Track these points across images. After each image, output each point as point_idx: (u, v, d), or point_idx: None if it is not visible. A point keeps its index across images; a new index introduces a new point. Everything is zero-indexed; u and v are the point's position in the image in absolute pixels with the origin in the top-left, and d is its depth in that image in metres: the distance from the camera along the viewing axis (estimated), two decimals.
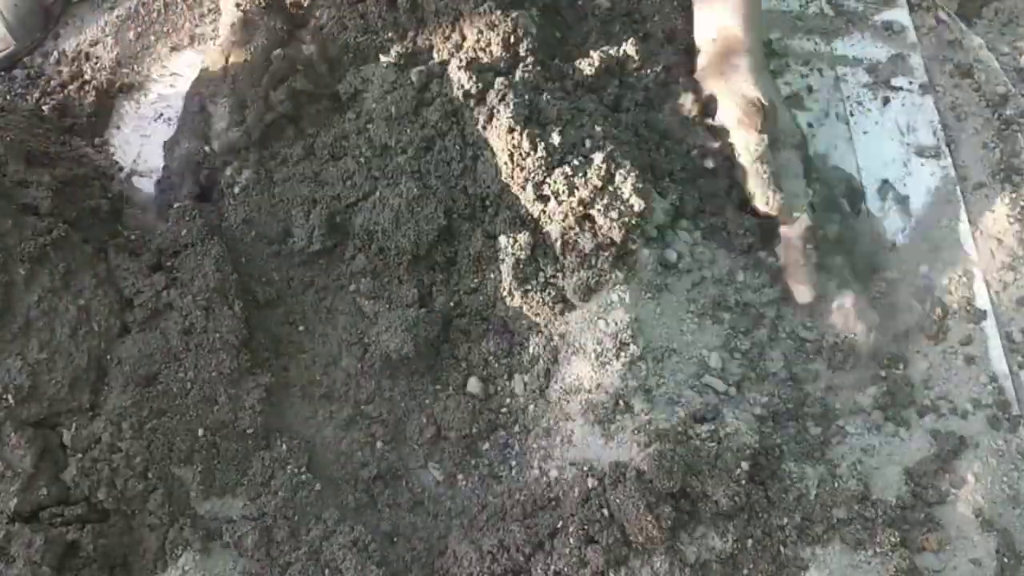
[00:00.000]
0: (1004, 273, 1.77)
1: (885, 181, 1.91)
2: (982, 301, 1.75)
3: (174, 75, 2.11)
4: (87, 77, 2.07)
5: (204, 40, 2.15)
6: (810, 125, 1.96)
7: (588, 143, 1.60)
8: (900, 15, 2.15)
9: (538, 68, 1.68)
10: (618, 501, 1.37)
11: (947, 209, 1.86)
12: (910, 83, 2.03)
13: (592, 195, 1.55)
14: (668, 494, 1.37)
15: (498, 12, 1.69)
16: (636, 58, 1.77)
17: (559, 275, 1.59)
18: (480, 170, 1.62)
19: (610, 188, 1.57)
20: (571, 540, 1.37)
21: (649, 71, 1.78)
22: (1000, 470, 1.54)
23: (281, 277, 1.69)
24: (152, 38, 2.16)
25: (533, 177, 1.57)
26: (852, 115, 1.98)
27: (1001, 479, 1.53)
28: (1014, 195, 1.85)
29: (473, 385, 1.60)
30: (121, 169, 1.95)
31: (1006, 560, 1.45)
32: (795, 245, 1.68)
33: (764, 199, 1.68)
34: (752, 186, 1.69)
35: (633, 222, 1.56)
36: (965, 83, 2.04)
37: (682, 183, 1.71)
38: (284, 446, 1.52)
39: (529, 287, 1.59)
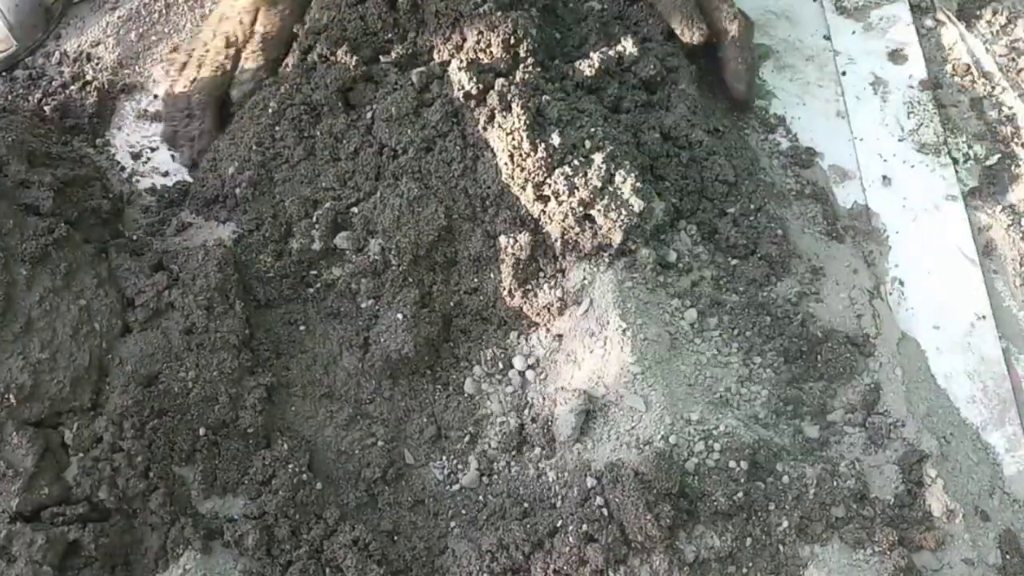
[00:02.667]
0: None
1: (884, 176, 1.91)
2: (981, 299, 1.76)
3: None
4: (88, 78, 2.08)
5: None
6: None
7: (588, 144, 1.60)
8: (900, 10, 2.15)
9: (538, 69, 1.68)
10: (617, 500, 1.37)
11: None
12: (910, 78, 2.04)
13: (592, 196, 1.56)
14: (667, 494, 1.38)
15: (498, 13, 1.69)
16: (636, 54, 1.77)
17: (559, 275, 1.60)
18: (480, 171, 1.63)
19: (610, 188, 1.57)
20: (571, 539, 1.37)
21: (649, 70, 1.79)
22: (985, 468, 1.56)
23: (283, 277, 1.70)
24: (154, 38, 2.16)
25: (533, 178, 1.57)
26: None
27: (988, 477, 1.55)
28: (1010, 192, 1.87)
29: (470, 386, 1.60)
30: (123, 169, 1.96)
31: (1008, 557, 1.46)
32: (736, 44, 1.86)
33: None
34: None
35: (633, 222, 1.57)
36: (965, 82, 2.05)
37: (681, 184, 1.72)
38: (285, 445, 1.52)
39: (529, 287, 1.60)
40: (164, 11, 2.17)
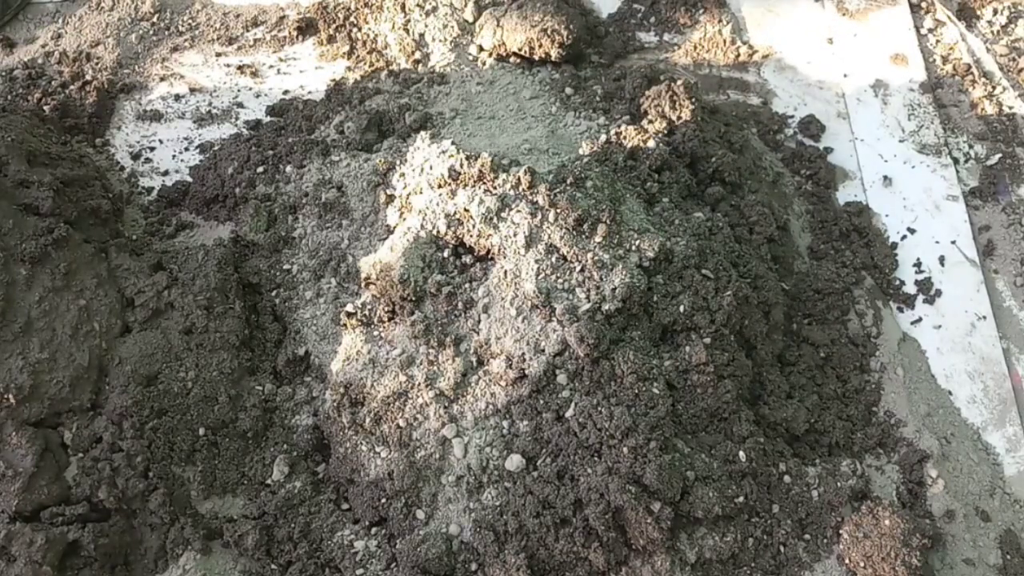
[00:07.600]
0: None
1: (885, 177, 1.91)
2: (982, 300, 1.76)
3: (175, 75, 2.11)
4: (88, 77, 2.08)
5: (204, 40, 2.16)
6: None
7: None
8: (901, 14, 2.16)
9: None
10: (619, 503, 1.36)
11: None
12: (911, 81, 2.04)
13: None
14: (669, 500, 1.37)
15: None
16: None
17: None
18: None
19: None
20: (572, 539, 1.37)
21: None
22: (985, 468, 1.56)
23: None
24: (154, 39, 2.16)
25: None
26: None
27: (987, 476, 1.55)
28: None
29: None
30: (122, 169, 1.96)
31: (1008, 557, 1.46)
32: None
33: None
34: None
35: None
36: (965, 82, 2.05)
37: None
38: (285, 445, 1.52)
39: None
40: (164, 12, 2.18)
